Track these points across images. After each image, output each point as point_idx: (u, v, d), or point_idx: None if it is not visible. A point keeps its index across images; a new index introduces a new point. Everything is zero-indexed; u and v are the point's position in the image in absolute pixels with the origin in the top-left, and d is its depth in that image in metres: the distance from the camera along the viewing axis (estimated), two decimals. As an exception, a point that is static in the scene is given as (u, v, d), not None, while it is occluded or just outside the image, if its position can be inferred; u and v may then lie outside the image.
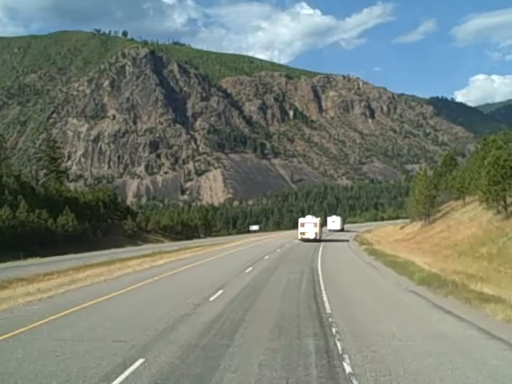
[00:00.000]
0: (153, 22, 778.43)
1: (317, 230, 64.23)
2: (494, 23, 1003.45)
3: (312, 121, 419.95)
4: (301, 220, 67.69)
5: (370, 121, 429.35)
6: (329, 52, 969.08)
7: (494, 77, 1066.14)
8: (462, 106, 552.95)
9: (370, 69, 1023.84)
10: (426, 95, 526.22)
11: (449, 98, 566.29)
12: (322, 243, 57.66)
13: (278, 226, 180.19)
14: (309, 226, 65.00)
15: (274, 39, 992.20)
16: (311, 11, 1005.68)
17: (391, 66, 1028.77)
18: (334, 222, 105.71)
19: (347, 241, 64.15)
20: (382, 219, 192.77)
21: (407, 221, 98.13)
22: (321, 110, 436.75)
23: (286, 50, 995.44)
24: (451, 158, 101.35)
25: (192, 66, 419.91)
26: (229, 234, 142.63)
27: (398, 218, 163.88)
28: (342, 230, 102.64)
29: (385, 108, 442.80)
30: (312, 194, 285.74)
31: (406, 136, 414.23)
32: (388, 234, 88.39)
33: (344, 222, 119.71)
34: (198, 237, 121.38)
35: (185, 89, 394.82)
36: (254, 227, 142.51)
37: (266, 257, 37.53)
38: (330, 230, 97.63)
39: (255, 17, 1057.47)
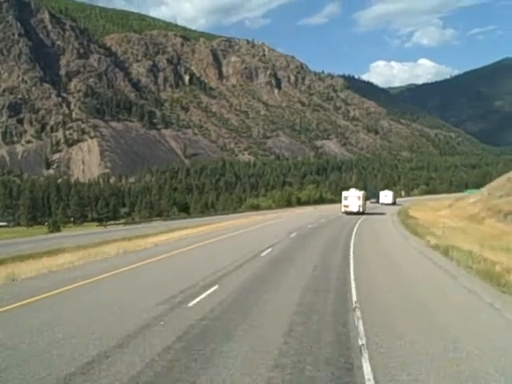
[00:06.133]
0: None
1: (360, 203, 64.43)
2: (395, 10, 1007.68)
3: (211, 88, 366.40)
4: (344, 193, 68.00)
5: (275, 91, 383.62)
6: (233, 30, 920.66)
7: (393, 63, 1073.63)
8: (370, 84, 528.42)
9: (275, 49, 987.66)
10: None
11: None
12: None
13: (151, 213, 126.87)
14: (352, 199, 65.17)
15: (176, 14, 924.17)
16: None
17: (295, 47, 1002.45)
18: (386, 196, 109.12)
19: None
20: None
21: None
22: (221, 76, 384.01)
23: (190, 26, 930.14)
24: None
25: (68, 18, 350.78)
26: None
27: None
28: (393, 203, 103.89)
29: (292, 78, 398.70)
30: (207, 171, 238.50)
31: (315, 109, 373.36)
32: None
33: (395, 196, 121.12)
34: None
35: (58, 43, 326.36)
36: None
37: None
38: (382, 204, 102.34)
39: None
